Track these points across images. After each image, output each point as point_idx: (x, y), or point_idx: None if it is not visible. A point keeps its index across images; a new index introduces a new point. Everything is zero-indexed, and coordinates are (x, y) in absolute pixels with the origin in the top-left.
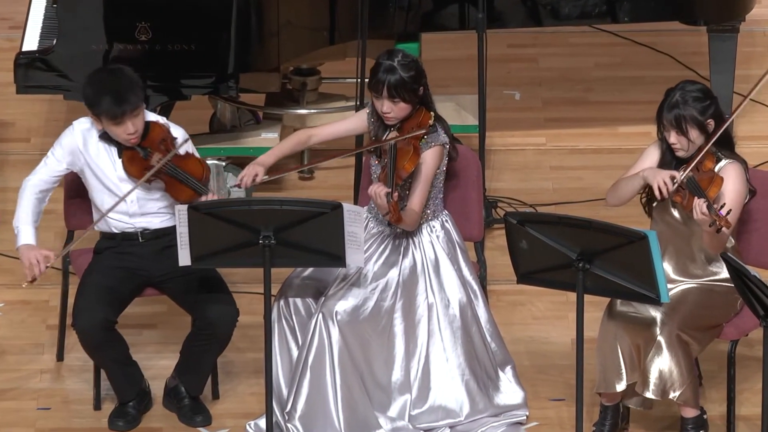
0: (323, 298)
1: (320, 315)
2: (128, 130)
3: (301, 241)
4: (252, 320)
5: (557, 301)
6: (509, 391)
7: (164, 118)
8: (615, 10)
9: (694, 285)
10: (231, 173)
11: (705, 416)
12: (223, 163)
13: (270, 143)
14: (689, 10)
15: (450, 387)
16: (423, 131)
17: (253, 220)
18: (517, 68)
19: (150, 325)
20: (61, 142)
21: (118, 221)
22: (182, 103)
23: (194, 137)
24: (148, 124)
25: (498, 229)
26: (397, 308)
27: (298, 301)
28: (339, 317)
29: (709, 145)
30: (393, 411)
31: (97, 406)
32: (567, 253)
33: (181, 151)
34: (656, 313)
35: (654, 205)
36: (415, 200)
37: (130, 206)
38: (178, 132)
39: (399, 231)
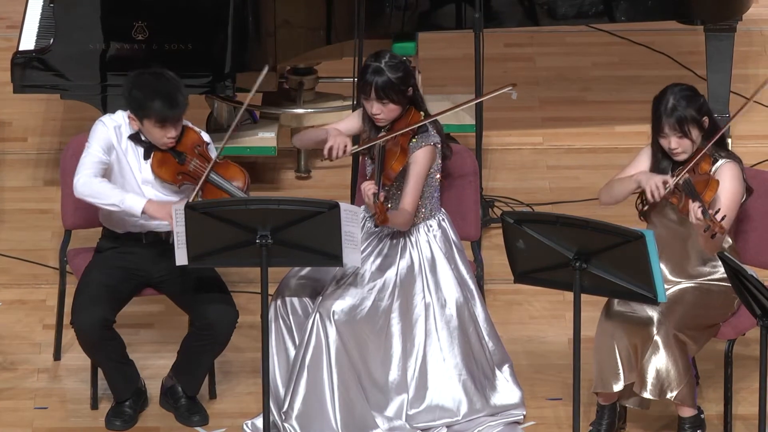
0: (320, 298)
1: (317, 315)
2: (170, 134)
3: (298, 240)
4: (249, 320)
5: (554, 301)
6: (506, 390)
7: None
8: (612, 10)
9: (692, 285)
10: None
11: (702, 416)
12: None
13: (267, 143)
14: (686, 9)
15: (447, 386)
16: (408, 129)
17: (250, 219)
18: (514, 68)
19: (147, 325)
20: (95, 135)
21: (131, 222)
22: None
23: None
24: (183, 129)
25: (495, 229)
26: (395, 308)
27: (295, 300)
28: (336, 317)
29: (708, 146)
30: (390, 411)
31: (95, 405)
32: (564, 252)
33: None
34: (653, 313)
35: (646, 208)
36: (407, 200)
37: None
38: (205, 136)
39: (396, 230)
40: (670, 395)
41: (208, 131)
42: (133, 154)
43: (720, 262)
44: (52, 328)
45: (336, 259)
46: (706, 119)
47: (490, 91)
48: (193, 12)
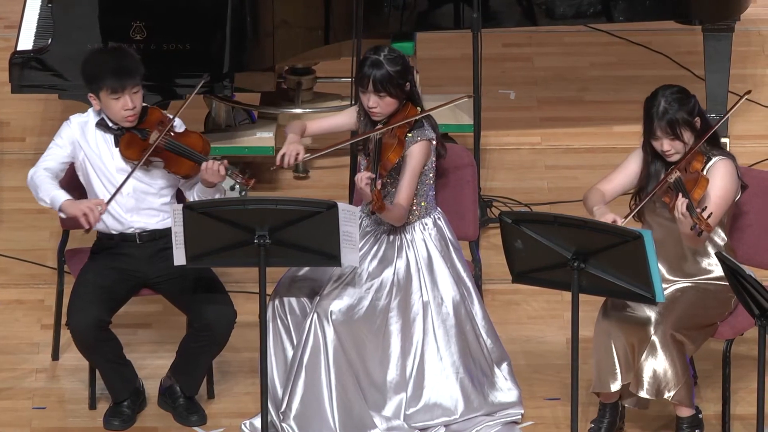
0: (318, 298)
1: (315, 314)
2: (127, 105)
3: (296, 240)
4: (247, 320)
5: (552, 301)
6: (504, 389)
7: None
8: (610, 10)
9: (689, 284)
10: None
11: (700, 415)
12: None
13: (265, 143)
14: (684, 9)
15: (444, 385)
16: (407, 120)
17: (248, 219)
18: (512, 67)
19: (145, 325)
20: (60, 134)
21: (116, 219)
22: (177, 102)
23: None
24: (145, 109)
25: (493, 229)
26: (392, 307)
27: (293, 300)
28: (334, 317)
29: (699, 145)
30: (388, 410)
31: (93, 405)
32: (562, 252)
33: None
34: (651, 313)
35: (636, 212)
36: (402, 195)
37: (126, 199)
38: (176, 120)
39: (392, 229)
40: (668, 395)
41: (206, 131)
42: (105, 144)
43: (717, 261)
44: (50, 328)
45: (334, 259)
46: (697, 120)
47: (446, 102)
48: (191, 12)
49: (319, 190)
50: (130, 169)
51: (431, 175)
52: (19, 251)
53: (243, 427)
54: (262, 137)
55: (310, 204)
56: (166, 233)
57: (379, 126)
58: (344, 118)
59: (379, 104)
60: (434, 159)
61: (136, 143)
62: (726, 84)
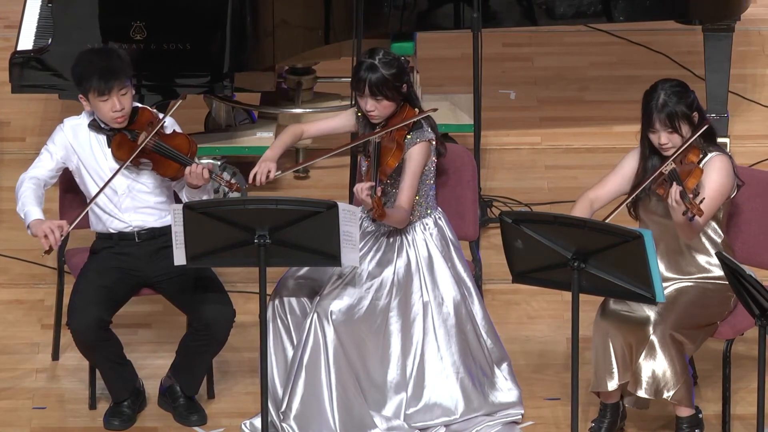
0: (318, 298)
1: (315, 314)
2: (115, 106)
3: (296, 240)
4: (247, 320)
5: (552, 301)
6: (504, 389)
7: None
8: (610, 10)
9: (688, 284)
10: (226, 172)
11: (700, 415)
12: (219, 162)
13: (265, 142)
14: (685, 9)
15: (444, 385)
16: (405, 124)
17: (248, 219)
18: (513, 67)
19: (145, 325)
20: (53, 139)
21: (113, 217)
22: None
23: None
24: (136, 110)
25: (493, 229)
26: (393, 307)
27: (293, 300)
28: (334, 317)
29: (694, 137)
30: (388, 410)
31: (93, 405)
32: (562, 252)
33: (170, 132)
34: (649, 313)
35: (632, 206)
36: (404, 197)
37: (121, 198)
38: (167, 120)
39: (393, 229)
40: (667, 395)
41: (206, 131)
42: (98, 145)
43: (715, 260)
44: (51, 328)
45: (334, 259)
46: (695, 115)
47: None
48: (191, 12)
49: (319, 190)
50: (121, 169)
51: (432, 175)
52: (19, 251)
53: (243, 427)
54: (263, 137)
55: (310, 204)
56: (164, 232)
57: (378, 129)
58: (343, 120)
59: (377, 107)
60: (434, 159)
61: (126, 144)
62: (726, 84)
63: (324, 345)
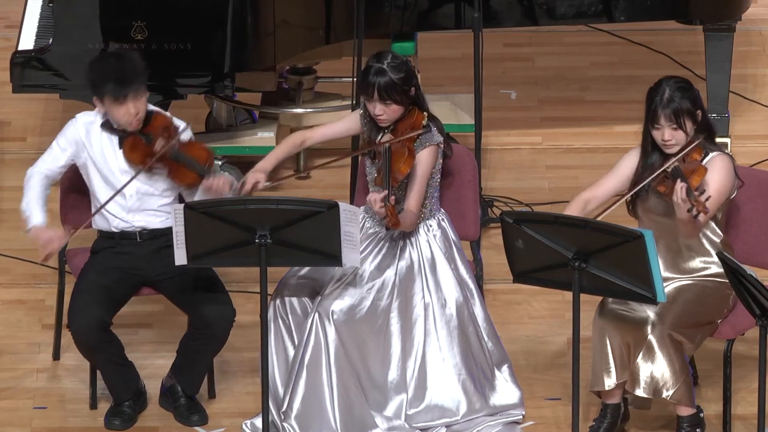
0: (319, 298)
1: (316, 314)
2: (130, 111)
3: (297, 240)
4: (248, 319)
5: (553, 300)
6: (505, 390)
7: (168, 113)
8: (611, 10)
9: (687, 282)
10: (227, 172)
11: (701, 414)
12: (220, 162)
13: (266, 142)
14: (685, 9)
15: (446, 386)
16: (417, 133)
17: (249, 219)
18: (513, 67)
19: (146, 325)
20: (64, 133)
21: (117, 218)
22: (178, 102)
23: None
24: (150, 113)
25: (494, 229)
26: (394, 307)
27: (294, 300)
28: (335, 317)
29: (700, 139)
30: (389, 410)
31: (94, 405)
32: (563, 252)
33: (184, 138)
34: (648, 313)
35: (631, 204)
36: (412, 201)
37: (129, 201)
38: (179, 122)
39: (396, 231)
40: (666, 394)
41: (207, 131)
42: (110, 145)
43: (714, 258)
44: (51, 327)
45: (335, 259)
46: (699, 112)
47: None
48: (192, 12)
49: (320, 190)
50: (132, 171)
51: (437, 177)
52: (20, 251)
53: (244, 426)
54: (264, 137)
55: (311, 204)
56: (166, 232)
57: (388, 136)
58: (348, 124)
59: (385, 111)
60: (441, 161)
61: (139, 147)
62: (727, 84)
63: (325, 345)
